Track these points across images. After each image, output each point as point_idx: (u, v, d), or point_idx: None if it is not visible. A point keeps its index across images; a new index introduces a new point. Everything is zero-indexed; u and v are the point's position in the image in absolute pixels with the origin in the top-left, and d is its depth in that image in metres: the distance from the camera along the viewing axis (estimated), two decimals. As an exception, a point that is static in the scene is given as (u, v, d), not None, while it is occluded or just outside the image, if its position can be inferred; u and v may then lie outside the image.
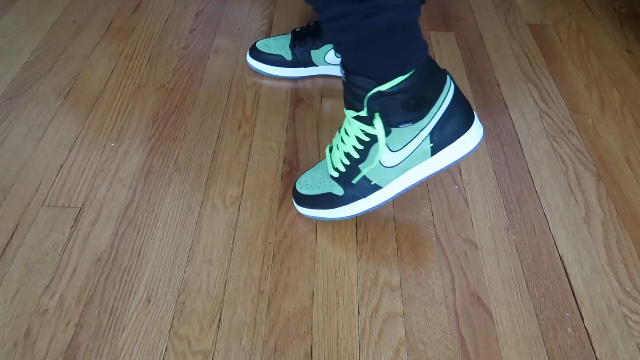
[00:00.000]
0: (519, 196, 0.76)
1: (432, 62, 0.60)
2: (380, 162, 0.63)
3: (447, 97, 0.61)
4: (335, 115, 0.88)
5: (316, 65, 0.94)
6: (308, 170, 0.73)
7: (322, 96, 0.92)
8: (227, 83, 0.93)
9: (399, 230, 0.71)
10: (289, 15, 1.12)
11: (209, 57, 0.98)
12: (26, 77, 0.93)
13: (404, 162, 0.64)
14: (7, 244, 0.67)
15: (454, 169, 0.80)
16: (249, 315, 0.62)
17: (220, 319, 0.61)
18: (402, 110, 0.59)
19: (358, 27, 0.55)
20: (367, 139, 0.62)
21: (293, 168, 0.79)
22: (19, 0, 1.12)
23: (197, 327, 0.60)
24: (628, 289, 0.66)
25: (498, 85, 0.96)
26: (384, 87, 0.57)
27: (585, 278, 0.67)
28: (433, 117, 0.61)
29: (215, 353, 0.58)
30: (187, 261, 0.67)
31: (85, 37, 1.03)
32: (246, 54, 0.98)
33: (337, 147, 0.67)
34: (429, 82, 0.60)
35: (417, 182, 0.65)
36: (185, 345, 0.59)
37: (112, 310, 0.61)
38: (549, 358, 0.59)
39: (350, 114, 0.62)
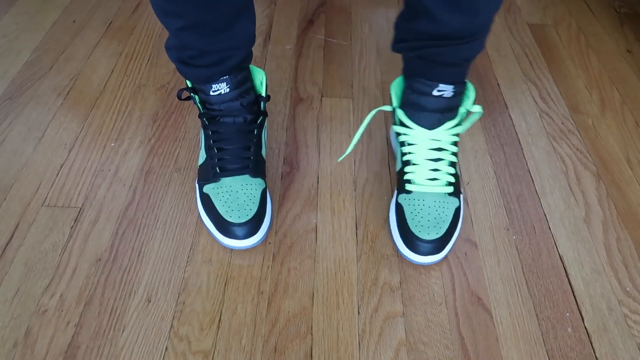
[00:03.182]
0: (519, 196, 0.76)
1: None
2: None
3: None
4: (335, 115, 0.88)
5: None
6: (417, 218, 0.66)
7: (322, 96, 0.92)
8: (227, 83, 0.93)
9: (399, 230, 0.71)
10: (289, 15, 1.12)
11: (209, 57, 0.98)
12: (26, 77, 0.93)
13: None
14: (7, 244, 0.67)
15: (454, 169, 0.80)
16: (249, 315, 0.62)
17: (220, 319, 0.61)
18: None
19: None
20: (458, 139, 0.70)
21: (293, 168, 0.79)
22: (19, 0, 1.12)
23: (197, 327, 0.60)
24: (628, 289, 0.66)
25: (498, 85, 0.96)
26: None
27: (585, 278, 0.67)
28: None
29: (215, 353, 0.58)
30: (187, 261, 0.67)
31: (85, 37, 1.03)
32: None
33: (439, 169, 0.68)
34: None
35: None
36: (185, 345, 0.59)
37: (112, 310, 0.61)
38: (549, 358, 0.59)
39: (447, 126, 0.67)
